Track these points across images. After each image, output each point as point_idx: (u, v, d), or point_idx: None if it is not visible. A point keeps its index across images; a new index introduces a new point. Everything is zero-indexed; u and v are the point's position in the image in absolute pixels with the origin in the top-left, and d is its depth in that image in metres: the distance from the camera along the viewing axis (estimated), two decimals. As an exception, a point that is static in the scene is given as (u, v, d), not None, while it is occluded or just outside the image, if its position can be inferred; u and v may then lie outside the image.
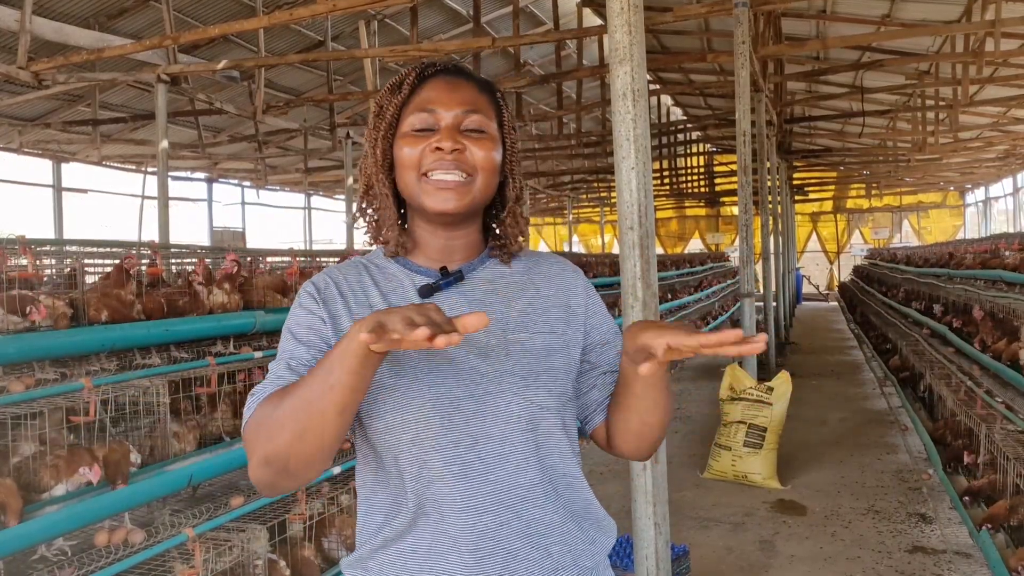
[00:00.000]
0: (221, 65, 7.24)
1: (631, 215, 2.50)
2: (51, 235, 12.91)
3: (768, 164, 9.76)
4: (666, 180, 17.25)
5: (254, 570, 2.90)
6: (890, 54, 10.25)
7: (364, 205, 1.17)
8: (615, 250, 18.13)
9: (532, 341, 1.10)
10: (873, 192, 23.46)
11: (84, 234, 14.97)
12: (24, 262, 2.81)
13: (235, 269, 3.54)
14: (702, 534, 4.40)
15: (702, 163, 19.78)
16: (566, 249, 23.81)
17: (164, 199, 6.79)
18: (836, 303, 20.43)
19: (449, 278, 1.13)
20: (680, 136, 16.20)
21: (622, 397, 1.11)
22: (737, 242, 7.53)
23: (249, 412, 1.02)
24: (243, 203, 18.71)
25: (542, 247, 27.59)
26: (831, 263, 25.00)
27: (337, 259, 4.70)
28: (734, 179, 17.32)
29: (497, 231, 1.20)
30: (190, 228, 16.70)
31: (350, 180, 11.27)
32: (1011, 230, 17.12)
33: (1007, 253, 5.92)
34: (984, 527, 3.80)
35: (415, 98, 1.13)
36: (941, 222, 24.00)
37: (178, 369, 3.11)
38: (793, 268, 18.43)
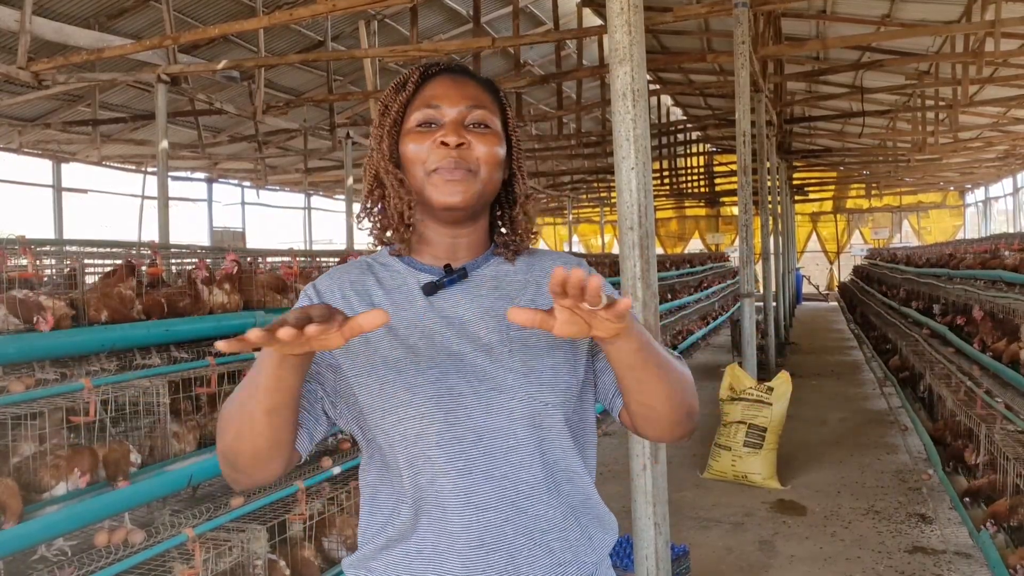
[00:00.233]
0: (221, 65, 7.25)
1: (631, 215, 2.50)
2: (51, 235, 12.92)
3: (768, 164, 9.76)
4: (666, 180, 17.25)
5: (254, 570, 2.90)
6: (890, 54, 10.25)
7: (368, 205, 1.18)
8: (615, 250, 18.13)
9: (536, 337, 1.10)
10: (873, 192, 23.46)
11: (84, 234, 14.97)
12: (24, 262, 2.81)
13: (235, 269, 3.55)
14: (702, 534, 4.40)
15: (702, 163, 19.79)
16: (566, 249, 23.80)
17: (164, 199, 6.79)
18: (836, 303, 20.44)
19: (453, 275, 1.13)
20: (680, 136, 16.20)
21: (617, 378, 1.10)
22: (737, 242, 7.53)
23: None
24: (243, 203, 18.72)
25: (542, 247, 27.55)
26: (831, 263, 25.00)
27: (337, 259, 4.70)
28: (734, 179, 17.33)
29: (503, 229, 1.21)
30: (190, 228, 16.73)
31: (350, 180, 11.27)
32: (1011, 230, 17.13)
33: (1006, 253, 5.92)
34: (984, 526, 3.80)
35: (419, 96, 1.14)
36: (941, 222, 24.01)
37: (178, 369, 3.11)
38: (793, 268, 18.44)
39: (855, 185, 23.37)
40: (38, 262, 2.94)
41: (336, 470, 3.49)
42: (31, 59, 6.46)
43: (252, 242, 18.19)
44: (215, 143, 12.97)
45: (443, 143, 1.09)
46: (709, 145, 19.35)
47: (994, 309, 5.51)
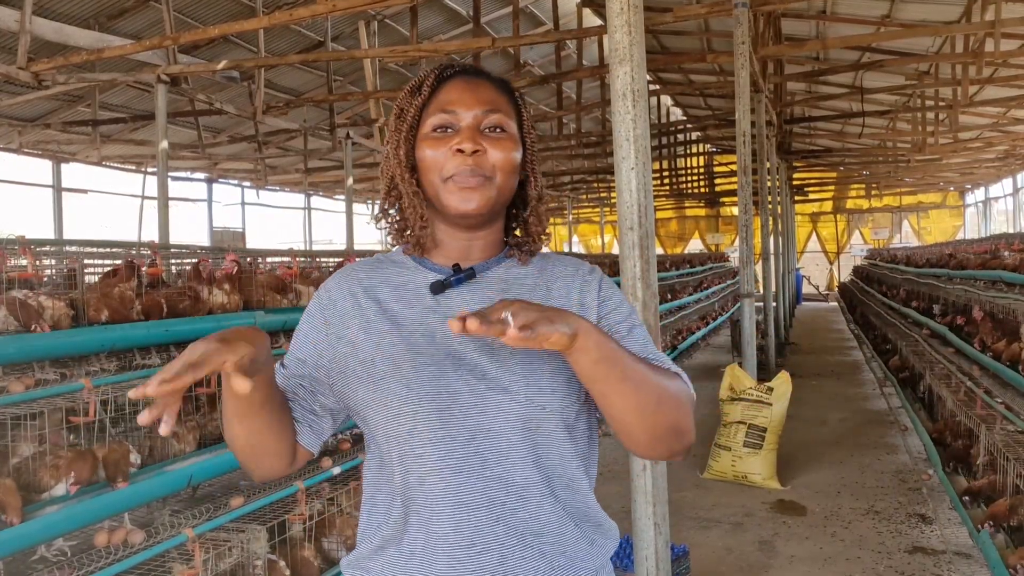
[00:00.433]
0: (221, 65, 7.25)
1: (631, 215, 2.50)
2: (51, 235, 12.91)
3: (768, 164, 9.76)
4: (666, 180, 17.26)
5: (254, 570, 2.90)
6: (890, 54, 10.26)
7: (386, 206, 1.19)
8: (615, 250, 18.13)
9: None
10: (873, 192, 23.47)
11: (84, 234, 14.97)
12: (24, 262, 2.81)
13: (235, 270, 3.54)
14: (702, 534, 4.40)
15: (702, 163, 19.80)
16: (566, 249, 23.81)
17: (164, 199, 6.79)
18: (836, 303, 20.44)
19: (460, 275, 1.13)
20: (680, 136, 16.21)
21: None
22: (737, 242, 7.53)
23: None
24: (243, 203, 18.72)
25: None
26: (831, 263, 25.00)
27: (337, 259, 4.70)
28: (734, 179, 17.33)
29: (517, 231, 1.21)
30: (190, 228, 16.73)
31: (350, 180, 11.27)
32: (1011, 230, 17.13)
33: (1006, 254, 5.92)
34: (984, 526, 3.80)
35: (435, 99, 1.13)
36: (941, 222, 24.01)
37: (178, 369, 3.10)
38: (793, 268, 18.44)
39: (855, 185, 23.38)
40: (38, 262, 2.94)
41: (336, 470, 3.49)
42: (31, 59, 6.46)
43: (252, 242, 18.19)
44: (215, 143, 12.98)
45: (459, 150, 1.09)
46: (709, 145, 19.35)
47: (994, 309, 5.51)
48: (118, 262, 3.20)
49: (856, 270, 18.78)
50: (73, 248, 3.27)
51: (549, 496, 1.08)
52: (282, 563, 3.05)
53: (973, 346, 5.56)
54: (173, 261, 3.85)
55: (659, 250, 22.93)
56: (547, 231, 1.22)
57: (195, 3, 8.65)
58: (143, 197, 14.79)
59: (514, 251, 1.19)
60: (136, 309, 3.04)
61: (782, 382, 5.38)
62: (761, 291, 9.92)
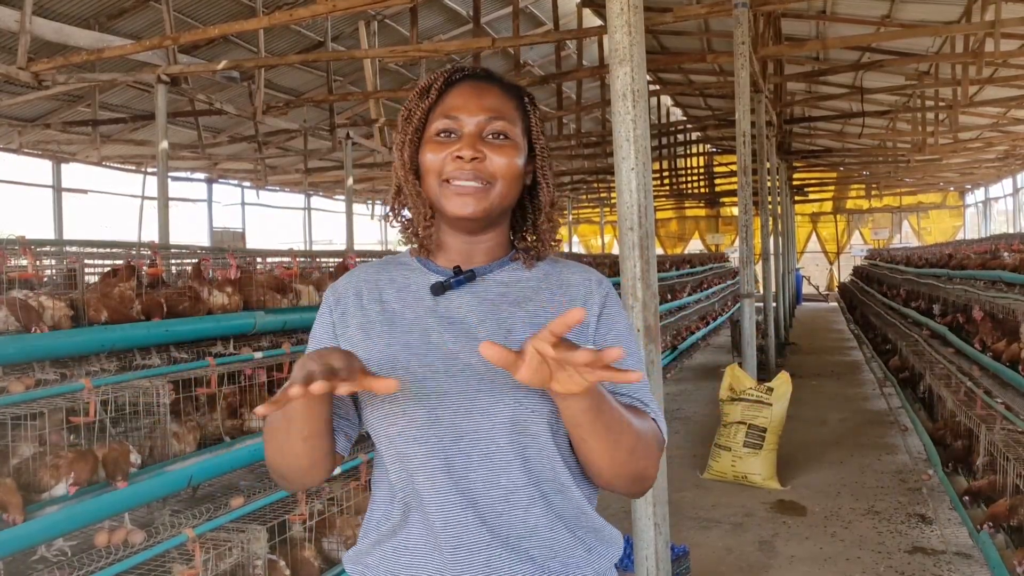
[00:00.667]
0: (221, 66, 7.25)
1: (631, 216, 2.50)
2: (51, 235, 12.91)
3: (768, 165, 9.76)
4: (666, 181, 17.26)
5: (254, 571, 2.90)
6: (890, 55, 10.26)
7: (396, 206, 1.21)
8: (615, 250, 18.13)
9: None
10: (873, 193, 23.47)
11: (84, 234, 14.98)
12: (24, 262, 2.81)
13: (236, 275, 3.54)
14: (702, 534, 4.40)
15: (702, 164, 19.80)
16: (566, 250, 23.83)
17: (164, 199, 6.79)
18: (836, 304, 20.44)
19: (459, 277, 1.14)
20: (680, 137, 16.22)
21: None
22: (737, 242, 7.53)
23: None
24: (243, 203, 18.72)
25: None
26: (831, 263, 25.01)
27: (337, 259, 4.70)
28: (734, 180, 17.33)
29: (526, 236, 1.21)
30: (190, 228, 16.73)
31: (350, 181, 11.27)
32: (1011, 231, 17.13)
33: (1006, 254, 5.92)
34: (984, 526, 3.80)
35: (441, 104, 1.14)
36: (941, 223, 24.01)
37: (178, 370, 3.11)
38: (793, 268, 18.44)
39: (855, 185, 23.38)
40: (38, 262, 2.94)
41: (336, 470, 3.48)
42: (31, 59, 6.46)
43: (252, 242, 18.20)
44: (215, 143, 12.98)
45: (458, 156, 1.10)
46: (709, 145, 19.36)
47: (994, 309, 5.51)
48: (118, 262, 3.20)
49: (856, 270, 18.78)
50: (73, 248, 3.27)
51: (539, 500, 1.07)
52: (282, 563, 3.05)
53: (973, 346, 5.56)
54: (173, 261, 3.85)
55: (659, 250, 22.93)
56: (559, 237, 1.22)
57: (195, 3, 8.65)
58: (143, 197, 14.79)
59: (520, 255, 1.19)
60: (136, 309, 3.04)
61: (782, 382, 5.38)
62: (761, 291, 9.92)
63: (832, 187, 22.99)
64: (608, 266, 8.47)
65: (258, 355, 3.52)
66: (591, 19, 11.37)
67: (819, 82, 12.59)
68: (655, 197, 15.27)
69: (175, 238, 7.51)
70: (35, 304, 2.65)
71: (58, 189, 13.54)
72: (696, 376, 9.96)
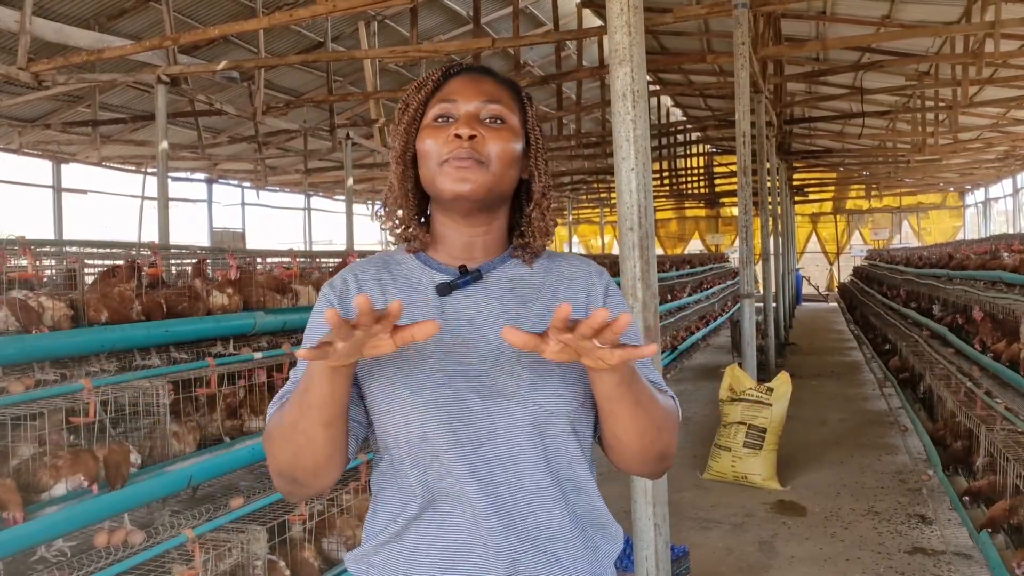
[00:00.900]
0: (221, 66, 7.25)
1: (631, 216, 2.50)
2: (51, 236, 12.91)
3: (768, 165, 9.76)
4: (666, 181, 17.26)
5: (254, 571, 2.89)
6: (890, 55, 10.26)
7: (391, 203, 1.19)
8: (615, 251, 18.13)
9: None
10: (873, 193, 23.47)
11: (84, 235, 14.97)
12: (24, 263, 2.81)
13: (236, 276, 3.54)
14: (702, 535, 4.40)
15: (702, 164, 19.81)
16: (566, 250, 23.82)
17: (164, 200, 6.79)
18: (836, 304, 20.44)
19: (467, 276, 1.13)
20: (680, 137, 16.22)
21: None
22: (737, 243, 7.53)
23: (267, 420, 1.09)
24: (243, 204, 18.72)
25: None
26: (831, 264, 25.01)
27: (337, 259, 4.70)
28: (734, 180, 17.33)
29: (522, 229, 1.20)
30: (190, 229, 16.73)
31: (350, 181, 11.27)
32: (1011, 231, 17.13)
33: (1005, 255, 5.92)
34: (984, 527, 3.80)
35: (438, 93, 1.14)
36: (941, 223, 24.01)
37: (178, 370, 3.11)
38: (793, 269, 18.44)
39: (855, 186, 23.38)
40: (38, 263, 2.94)
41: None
42: (31, 60, 6.46)
43: (252, 243, 18.19)
44: (215, 144, 12.98)
45: (456, 135, 1.09)
46: (709, 146, 19.36)
47: (994, 310, 5.51)
48: (118, 262, 3.20)
49: (856, 271, 18.78)
50: (73, 248, 3.27)
51: (561, 500, 1.07)
52: (282, 563, 3.04)
53: (973, 347, 5.56)
54: (173, 262, 3.85)
55: (659, 250, 22.94)
56: (551, 232, 1.21)
57: (195, 3, 8.66)
58: (143, 197, 14.79)
59: (519, 251, 1.18)
60: (136, 309, 3.04)
61: (782, 383, 5.38)
62: (761, 292, 9.92)
63: (832, 187, 23.00)
64: (608, 266, 8.44)
65: (258, 355, 3.52)
66: (591, 19, 11.38)
67: (819, 82, 12.59)
68: (655, 197, 15.27)
69: (175, 238, 7.51)
70: (35, 304, 2.65)
71: (58, 189, 13.54)
72: (696, 376, 9.96)
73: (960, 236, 21.50)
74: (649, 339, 2.53)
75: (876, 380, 9.20)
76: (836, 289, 21.91)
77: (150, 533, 2.65)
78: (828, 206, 24.88)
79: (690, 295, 12.41)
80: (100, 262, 3.37)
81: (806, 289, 23.37)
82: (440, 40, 10.53)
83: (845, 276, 21.71)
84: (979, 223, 22.32)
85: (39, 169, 13.36)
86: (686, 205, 24.90)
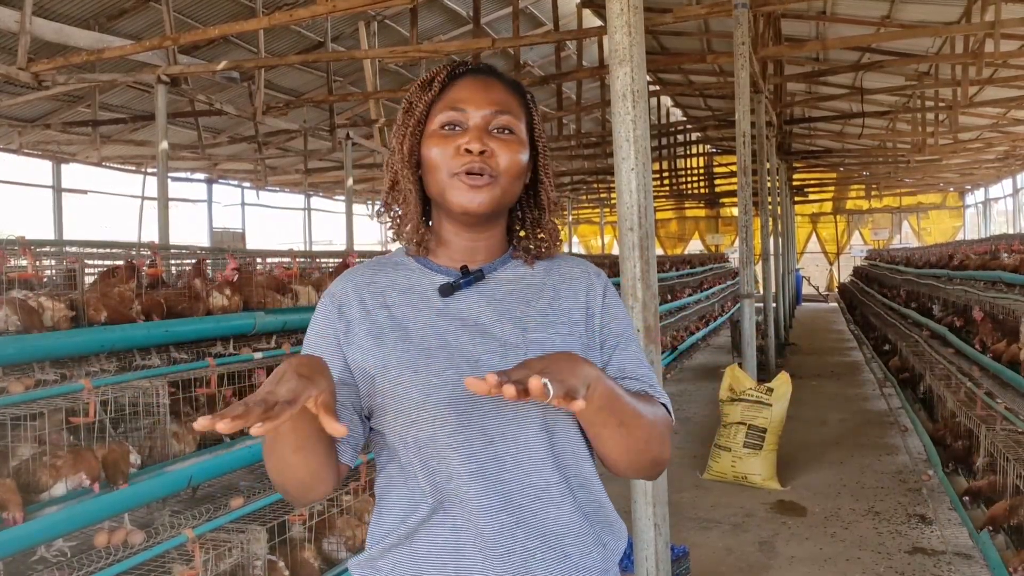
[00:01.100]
0: (221, 66, 7.25)
1: (631, 216, 2.50)
2: (51, 236, 12.91)
3: (768, 165, 9.76)
4: (666, 181, 17.26)
5: (253, 571, 2.89)
6: (890, 55, 10.26)
7: (389, 201, 1.18)
8: (615, 251, 18.13)
9: (552, 341, 1.10)
10: (873, 193, 23.47)
11: (84, 235, 14.97)
12: (24, 263, 2.81)
13: (235, 277, 3.54)
14: (702, 535, 4.40)
15: (702, 164, 19.81)
16: (565, 250, 23.78)
17: (164, 200, 6.79)
18: (836, 304, 20.44)
19: (469, 277, 1.13)
20: (680, 137, 16.21)
21: None
22: (737, 243, 7.53)
23: None
24: (243, 204, 18.72)
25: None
26: (831, 264, 25.01)
27: (337, 260, 4.70)
28: (734, 180, 17.33)
29: (522, 232, 1.20)
30: (190, 229, 16.72)
31: (350, 181, 11.27)
32: (1011, 231, 17.13)
33: (1005, 255, 5.92)
34: (984, 527, 3.80)
35: (445, 96, 1.13)
36: (941, 223, 24.01)
37: (178, 370, 3.11)
38: (793, 269, 18.44)
39: (855, 186, 23.38)
40: (38, 263, 2.94)
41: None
42: (31, 60, 6.46)
43: (252, 243, 18.19)
44: (215, 144, 12.98)
45: (467, 150, 1.08)
46: (709, 146, 19.35)
47: (994, 310, 5.51)
48: (118, 262, 3.20)
49: (856, 271, 18.78)
50: (73, 248, 3.27)
51: (569, 496, 1.08)
52: (282, 564, 3.04)
53: (973, 347, 5.56)
54: (173, 262, 3.85)
55: (659, 251, 22.93)
56: (561, 237, 1.22)
57: (195, 4, 8.65)
58: (143, 198, 14.79)
59: (520, 252, 1.19)
60: (136, 309, 3.04)
61: (782, 383, 5.38)
62: (761, 292, 9.92)
63: (832, 187, 23.00)
64: (608, 266, 8.47)
65: (258, 355, 3.52)
66: (591, 19, 11.37)
67: (819, 83, 12.59)
68: (655, 197, 15.26)
69: (175, 238, 7.51)
70: (35, 305, 2.65)
71: (58, 189, 13.54)
72: (696, 376, 9.96)
73: (960, 236, 21.51)
74: (649, 339, 2.53)
75: (876, 380, 9.20)
76: (836, 289, 21.91)
77: (150, 533, 2.65)
78: (828, 206, 24.87)
79: (690, 295, 12.42)
80: (100, 262, 3.37)
81: (806, 289, 23.37)
82: (440, 40, 10.52)
83: (845, 276, 21.71)
84: (979, 223, 22.32)
85: (39, 169, 13.37)
86: (686, 205, 24.90)
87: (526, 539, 1.04)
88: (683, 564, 3.71)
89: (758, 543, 4.28)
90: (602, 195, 21.28)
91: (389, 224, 1.18)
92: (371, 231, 23.15)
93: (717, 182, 20.01)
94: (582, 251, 25.27)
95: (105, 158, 13.54)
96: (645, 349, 2.52)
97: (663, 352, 8.87)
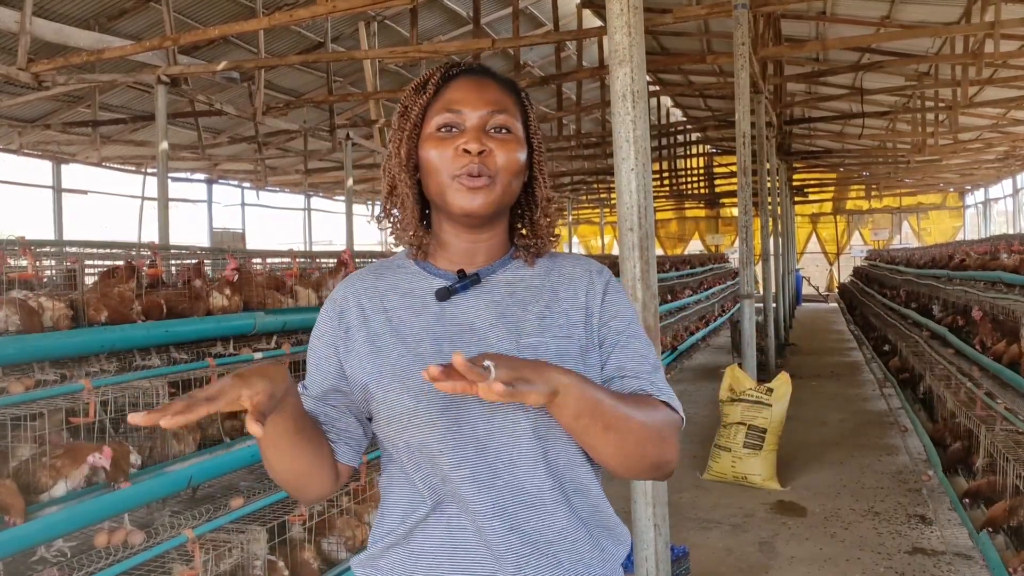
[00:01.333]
0: (221, 66, 7.25)
1: (631, 216, 2.50)
2: (51, 236, 12.92)
3: (768, 165, 9.76)
4: (666, 181, 17.26)
5: (253, 571, 2.89)
6: (890, 55, 10.26)
7: (388, 205, 1.18)
8: (615, 251, 18.13)
9: (546, 346, 1.09)
10: (873, 193, 23.48)
11: (84, 235, 14.98)
12: (24, 263, 2.81)
13: (235, 278, 3.54)
14: (702, 535, 4.40)
15: (702, 164, 19.81)
16: (566, 250, 23.77)
17: (164, 200, 6.79)
18: (836, 304, 20.44)
19: (465, 280, 1.12)
20: (680, 137, 16.21)
21: None
22: (737, 243, 7.53)
23: None
24: (243, 204, 18.73)
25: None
26: (831, 264, 25.01)
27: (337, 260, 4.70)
28: (734, 180, 17.34)
29: (523, 231, 1.20)
30: (190, 229, 16.73)
31: (350, 181, 11.28)
32: (1011, 231, 17.13)
33: (1004, 255, 5.92)
34: (984, 528, 3.80)
35: (440, 98, 1.12)
36: (941, 223, 24.01)
37: (178, 370, 3.11)
38: (793, 269, 18.44)
39: (855, 186, 23.39)
40: (38, 263, 2.94)
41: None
42: (31, 60, 6.46)
43: (252, 243, 18.20)
44: (215, 144, 12.98)
45: (465, 150, 1.08)
46: (709, 146, 19.36)
47: (994, 310, 5.51)
48: (118, 263, 3.20)
49: (856, 271, 18.77)
50: (73, 249, 3.27)
51: (563, 503, 1.07)
52: (281, 564, 3.05)
53: (973, 347, 5.56)
54: (173, 262, 3.85)
55: (659, 251, 22.94)
56: (557, 232, 1.21)
57: (195, 4, 8.66)
58: (143, 198, 14.79)
59: (520, 252, 1.18)
60: (136, 310, 3.04)
61: (782, 383, 5.38)
62: (761, 292, 9.92)
63: (832, 188, 23.01)
64: (608, 267, 8.46)
65: (258, 356, 3.52)
66: (591, 20, 11.38)
67: (819, 83, 12.59)
68: (655, 198, 15.27)
69: (175, 239, 7.51)
70: (35, 305, 2.65)
71: (58, 190, 13.54)
72: (696, 377, 9.96)
73: (960, 236, 21.51)
74: (649, 339, 2.53)
75: (876, 380, 9.20)
76: (836, 289, 21.91)
77: (150, 533, 2.65)
78: (828, 206, 24.88)
79: (690, 295, 12.42)
80: (100, 262, 3.37)
81: (806, 289, 23.37)
82: (440, 41, 10.53)
83: (845, 276, 21.71)
84: (979, 223, 22.32)
85: (39, 169, 13.38)
86: (686, 205, 24.90)
87: (520, 545, 1.04)
88: (683, 564, 3.71)
89: (758, 543, 4.28)
90: (602, 195, 21.29)
91: (390, 229, 1.18)
92: (371, 231, 23.18)
93: (717, 182, 20.02)
94: (582, 251, 25.28)
95: (105, 158, 13.54)
96: (645, 349, 2.51)
97: (663, 352, 8.87)
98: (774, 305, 10.25)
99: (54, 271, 3.29)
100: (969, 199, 23.50)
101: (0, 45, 8.42)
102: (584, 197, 22.31)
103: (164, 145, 6.91)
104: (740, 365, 5.91)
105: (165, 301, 3.20)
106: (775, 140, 10.97)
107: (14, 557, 2.34)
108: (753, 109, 7.55)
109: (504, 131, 1.11)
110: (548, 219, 1.19)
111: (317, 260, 4.85)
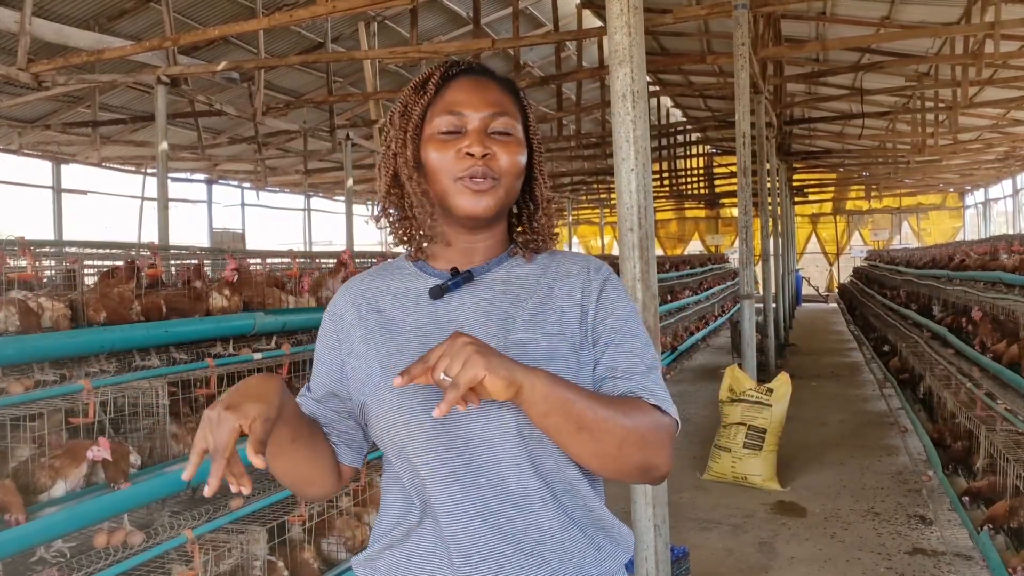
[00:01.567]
0: (221, 66, 7.25)
1: (631, 217, 2.50)
2: (51, 236, 12.91)
3: (768, 166, 9.76)
4: (666, 182, 17.26)
5: (253, 572, 2.89)
6: (890, 56, 10.26)
7: (385, 205, 1.18)
8: (615, 251, 18.12)
9: (536, 342, 1.08)
10: (873, 194, 23.48)
11: (84, 235, 14.97)
12: (24, 263, 2.81)
13: (234, 278, 3.54)
14: (702, 536, 4.40)
15: (702, 165, 19.80)
16: (566, 249, 23.77)
17: (164, 200, 6.79)
18: (836, 305, 20.44)
19: (457, 278, 1.12)
20: (680, 138, 16.21)
21: None
22: (737, 243, 7.53)
23: None
24: (243, 204, 18.72)
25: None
26: (831, 264, 25.01)
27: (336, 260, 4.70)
28: (734, 180, 17.33)
29: (520, 229, 1.20)
30: (190, 229, 16.73)
31: (350, 182, 11.28)
32: (1011, 232, 17.13)
33: (1004, 256, 5.92)
34: (984, 528, 3.79)
35: (441, 99, 1.12)
36: (941, 224, 24.02)
37: (177, 371, 3.10)
38: (793, 269, 18.43)
39: (855, 186, 23.40)
40: (38, 263, 2.94)
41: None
42: (31, 60, 6.46)
43: (252, 243, 18.20)
44: (215, 144, 12.98)
45: (468, 153, 1.08)
46: (709, 146, 19.36)
47: (994, 310, 5.51)
48: (118, 263, 3.20)
49: (856, 271, 18.76)
50: (73, 249, 3.27)
51: (551, 502, 1.06)
52: (281, 564, 3.04)
53: (973, 347, 5.56)
54: (173, 262, 3.85)
55: (659, 251, 22.94)
56: (556, 231, 1.21)
57: (195, 4, 8.66)
58: (143, 198, 14.79)
59: (519, 250, 1.18)
60: (135, 310, 3.04)
61: (782, 383, 5.38)
62: (761, 292, 9.92)
63: (832, 188, 23.01)
64: (608, 267, 8.47)
65: (258, 356, 3.52)
66: (591, 20, 11.38)
67: (819, 83, 12.60)
68: (655, 198, 15.26)
69: (175, 239, 7.51)
70: (35, 305, 2.65)
71: (58, 190, 13.54)
72: (696, 377, 9.96)
73: (960, 237, 21.51)
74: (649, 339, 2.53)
75: (876, 381, 9.20)
76: (836, 290, 21.90)
77: (150, 534, 2.65)
78: (828, 207, 24.88)
79: (690, 296, 12.41)
80: (100, 263, 3.37)
81: (806, 290, 23.37)
82: (440, 41, 10.53)
83: (845, 277, 21.71)
84: (979, 224, 22.32)
85: (39, 170, 13.38)
86: (686, 206, 24.90)
87: (501, 545, 1.03)
88: (683, 565, 3.71)
89: (758, 544, 4.28)
90: (602, 195, 21.29)
91: (391, 229, 1.18)
92: (371, 232, 23.17)
93: (717, 182, 20.01)
94: (581, 251, 25.26)
95: (105, 159, 13.54)
96: (645, 350, 2.51)
97: (663, 353, 8.87)
98: (774, 305, 10.24)
99: (54, 271, 3.29)
100: (969, 199, 23.50)
101: (0, 45, 8.42)
102: (584, 197, 22.31)
103: (164, 145, 6.91)
104: (740, 365, 5.91)
105: (165, 301, 3.20)
106: (775, 140, 10.97)
107: (14, 558, 2.34)
108: (753, 109, 7.55)
109: (505, 134, 1.11)
110: (549, 218, 1.19)
111: (317, 260, 4.85)
